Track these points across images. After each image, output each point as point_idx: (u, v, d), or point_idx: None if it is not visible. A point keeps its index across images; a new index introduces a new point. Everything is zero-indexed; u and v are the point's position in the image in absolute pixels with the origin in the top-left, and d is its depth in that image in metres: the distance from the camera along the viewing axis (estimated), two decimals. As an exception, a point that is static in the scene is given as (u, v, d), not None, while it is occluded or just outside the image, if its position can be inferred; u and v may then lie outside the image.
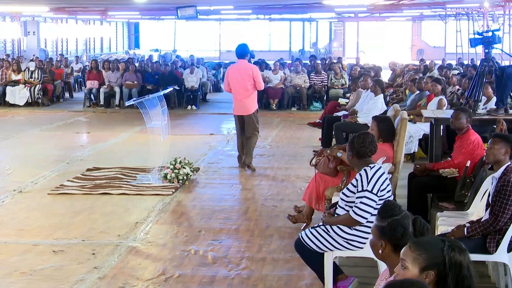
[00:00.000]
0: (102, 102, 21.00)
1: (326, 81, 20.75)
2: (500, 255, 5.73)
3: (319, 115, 16.10)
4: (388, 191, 5.83)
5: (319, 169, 7.87)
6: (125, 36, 50.38)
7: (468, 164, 7.42)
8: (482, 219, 5.80)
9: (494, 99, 10.51)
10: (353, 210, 5.76)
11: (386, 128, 7.83)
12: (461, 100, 12.40)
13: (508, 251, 5.73)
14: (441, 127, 10.03)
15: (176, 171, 10.40)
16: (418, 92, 13.36)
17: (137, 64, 23.71)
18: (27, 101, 20.96)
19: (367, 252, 5.30)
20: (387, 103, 12.93)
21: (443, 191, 7.56)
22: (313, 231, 5.96)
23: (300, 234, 6.06)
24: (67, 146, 14.21)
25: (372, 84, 12.64)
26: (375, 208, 5.66)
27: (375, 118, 8.07)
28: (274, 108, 20.22)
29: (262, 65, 21.90)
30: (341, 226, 5.85)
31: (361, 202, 5.73)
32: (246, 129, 11.70)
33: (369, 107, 12.21)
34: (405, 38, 50.71)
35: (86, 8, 30.99)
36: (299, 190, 10.00)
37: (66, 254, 7.34)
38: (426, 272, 3.23)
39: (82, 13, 34.35)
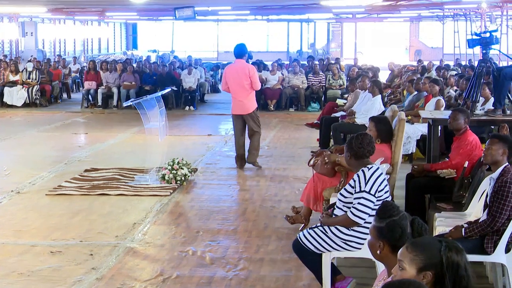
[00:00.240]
0: (100, 103, 20.99)
1: (324, 82, 20.75)
2: (498, 256, 5.74)
3: (317, 116, 16.10)
4: (386, 192, 5.83)
5: (317, 169, 7.88)
6: (123, 37, 50.39)
7: (466, 164, 7.43)
8: (480, 220, 5.81)
9: (492, 100, 10.52)
10: (351, 211, 5.76)
11: (384, 129, 7.83)
12: (458, 100, 12.40)
13: (506, 251, 5.73)
14: (439, 128, 10.03)
15: (174, 172, 10.40)
16: (416, 93, 13.38)
17: (135, 65, 23.72)
18: (25, 102, 20.95)
19: (365, 252, 5.30)
20: (385, 104, 12.94)
21: (441, 191, 7.56)
22: (311, 232, 5.96)
23: (298, 235, 6.06)
24: (65, 147, 14.21)
25: (370, 85, 12.64)
26: (372, 209, 5.66)
27: (372, 118, 8.06)
28: (272, 109, 20.23)
29: (260, 65, 21.91)
30: (339, 227, 5.85)
31: (358, 203, 5.73)
32: (248, 128, 11.77)
33: (367, 108, 12.22)
34: (401, 39, 50.75)
35: (84, 9, 30.96)
36: (297, 191, 10.01)
37: (64, 255, 7.34)
38: (423, 273, 3.23)
39: (80, 14, 34.33)
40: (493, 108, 9.92)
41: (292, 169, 11.80)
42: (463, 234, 5.73)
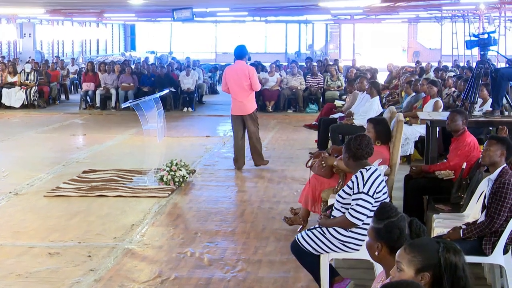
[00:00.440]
0: (98, 104, 20.98)
1: (322, 83, 20.75)
2: (496, 257, 5.74)
3: (315, 117, 16.11)
4: (384, 193, 5.83)
5: (314, 170, 7.88)
6: (121, 38, 50.40)
7: (464, 166, 7.43)
8: (478, 221, 5.81)
9: (490, 101, 10.52)
10: (349, 212, 5.75)
11: (382, 130, 7.83)
12: (457, 102, 12.41)
13: (504, 253, 5.74)
14: (437, 129, 10.04)
15: (172, 173, 10.40)
16: (414, 94, 13.38)
17: (133, 66, 23.72)
18: (23, 103, 20.95)
19: (363, 254, 5.30)
20: (383, 105, 12.94)
21: (439, 193, 7.56)
22: (309, 233, 5.95)
23: (296, 236, 6.05)
24: (63, 148, 14.20)
25: (368, 86, 12.65)
26: (371, 210, 5.66)
27: (371, 120, 8.04)
28: (270, 110, 20.22)
29: (258, 67, 21.87)
30: (337, 228, 5.85)
31: (357, 204, 5.73)
32: (247, 129, 11.83)
33: (365, 109, 12.22)
34: (399, 39, 50.80)
35: (82, 10, 30.96)
36: (295, 192, 10.01)
37: (62, 257, 7.33)
38: (421, 274, 3.23)
39: (78, 15, 34.34)
40: (491, 109, 9.93)
41: (290, 170, 11.80)
42: (461, 235, 5.73)
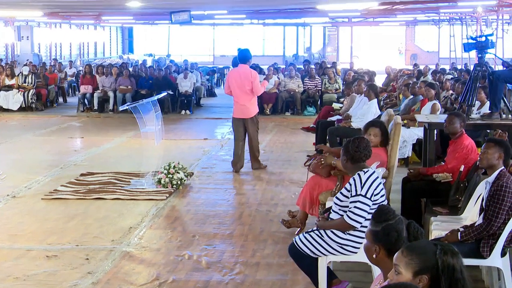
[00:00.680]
0: (96, 107, 20.98)
1: (320, 86, 20.76)
2: (494, 260, 5.74)
3: (313, 120, 16.12)
4: (381, 196, 5.83)
5: (312, 168, 7.88)
6: (119, 41, 50.37)
7: (461, 168, 7.44)
8: (476, 224, 5.81)
9: (488, 103, 10.53)
10: (347, 215, 5.75)
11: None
12: (454, 105, 12.42)
13: (502, 255, 5.74)
14: (435, 132, 10.04)
15: (170, 176, 10.39)
16: (411, 96, 13.39)
17: (131, 69, 23.70)
18: (20, 106, 20.95)
19: (361, 256, 5.30)
20: (381, 108, 12.96)
21: (437, 195, 7.57)
22: (307, 236, 5.95)
23: (294, 239, 6.05)
24: (61, 151, 14.20)
25: (366, 89, 12.65)
26: (369, 213, 5.66)
27: (376, 124, 7.95)
28: (268, 113, 20.22)
29: (256, 69, 21.86)
30: (335, 231, 5.85)
31: (355, 207, 5.73)
32: (247, 132, 11.90)
33: (363, 112, 12.23)
34: (395, 42, 50.84)
35: (80, 13, 30.94)
36: (293, 195, 10.00)
37: (60, 260, 7.32)
38: (419, 277, 3.23)
39: (76, 18, 34.32)
40: (489, 111, 9.93)
41: (288, 173, 11.80)
42: (459, 238, 5.73)
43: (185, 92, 21.18)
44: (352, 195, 5.77)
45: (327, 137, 12.72)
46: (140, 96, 18.27)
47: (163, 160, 10.88)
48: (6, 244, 7.90)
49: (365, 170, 5.87)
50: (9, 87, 21.16)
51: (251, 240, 8.05)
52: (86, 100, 21.25)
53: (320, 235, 5.89)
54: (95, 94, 21.08)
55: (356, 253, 5.82)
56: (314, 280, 5.98)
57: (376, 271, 4.75)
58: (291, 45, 48.83)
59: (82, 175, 11.42)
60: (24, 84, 21.22)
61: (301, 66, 25.75)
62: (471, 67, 14.17)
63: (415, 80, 15.46)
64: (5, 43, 32.80)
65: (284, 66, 27.09)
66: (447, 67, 25.53)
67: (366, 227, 4.12)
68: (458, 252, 3.28)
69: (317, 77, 21.15)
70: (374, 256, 3.84)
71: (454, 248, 3.30)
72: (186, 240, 8.00)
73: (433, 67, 24.24)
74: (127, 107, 11.04)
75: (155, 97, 11.51)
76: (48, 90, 22.33)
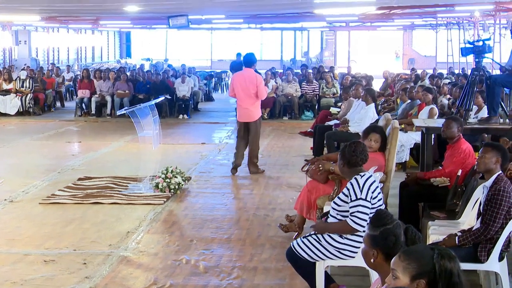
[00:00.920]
0: (93, 111, 20.98)
1: (318, 90, 20.78)
2: (491, 264, 5.74)
3: (311, 124, 16.13)
4: (379, 200, 5.84)
5: (310, 174, 7.89)
6: (117, 45, 50.39)
7: (459, 173, 7.44)
8: (473, 228, 5.82)
9: (485, 108, 10.55)
10: (351, 219, 5.72)
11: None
12: (452, 109, 12.43)
13: (499, 260, 5.74)
14: (432, 136, 10.05)
15: (168, 180, 10.39)
16: (409, 101, 13.41)
17: (128, 73, 23.71)
18: (18, 110, 20.95)
19: (359, 261, 5.30)
20: (378, 112, 12.95)
21: (435, 200, 7.56)
22: (304, 240, 5.95)
23: (291, 243, 6.05)
24: (59, 155, 14.18)
25: (364, 93, 12.66)
26: (370, 216, 5.66)
27: (376, 129, 7.94)
28: (266, 117, 20.19)
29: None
30: (332, 235, 5.84)
31: (357, 211, 5.71)
32: (249, 135, 12.01)
33: (360, 116, 12.23)
34: (394, 47, 50.87)
35: (77, 17, 30.95)
36: (290, 199, 10.00)
37: (57, 264, 7.32)
38: (417, 281, 3.23)
39: (73, 22, 34.33)
40: (487, 116, 9.94)
41: (286, 177, 11.80)
42: (457, 242, 5.73)
43: (182, 97, 21.19)
44: (352, 199, 5.76)
45: (325, 142, 12.73)
46: (138, 101, 18.27)
47: (161, 164, 10.87)
48: (3, 248, 7.88)
49: (362, 174, 5.88)
50: (6, 92, 21.15)
51: (249, 244, 8.05)
52: (83, 105, 21.25)
53: (317, 239, 5.89)
54: (92, 99, 21.08)
55: (353, 257, 5.82)
56: (312, 284, 5.97)
57: (374, 275, 4.75)
58: (288, 50, 48.84)
59: (79, 179, 11.42)
60: (21, 89, 21.22)
61: (299, 71, 25.76)
62: (469, 72, 14.18)
63: (412, 84, 15.48)
64: (2, 47, 32.80)
65: (281, 71, 27.12)
66: (444, 72, 25.59)
67: (364, 231, 4.11)
68: (456, 257, 3.29)
69: (314, 81, 21.17)
70: (372, 260, 3.84)
71: (451, 252, 3.30)
72: (184, 245, 8.00)
73: (430, 71, 24.29)
74: (125, 112, 11.03)
75: (153, 102, 11.52)
76: (46, 95, 22.33)
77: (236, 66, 21.13)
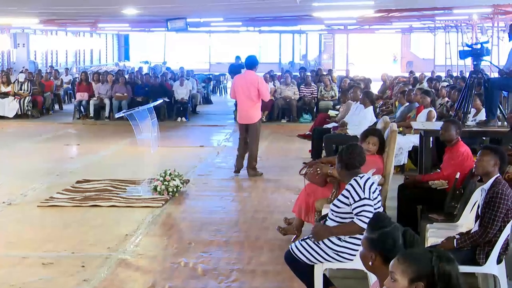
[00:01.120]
0: (92, 114, 20.97)
1: (316, 93, 20.79)
2: (490, 267, 5.75)
3: (309, 127, 16.13)
4: (378, 201, 5.84)
5: (309, 178, 7.89)
6: (115, 48, 50.35)
7: (457, 176, 7.44)
8: (472, 231, 5.82)
9: (483, 111, 10.56)
10: (358, 219, 5.67)
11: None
12: (450, 112, 12.44)
13: (498, 262, 5.75)
14: (431, 139, 10.06)
15: (166, 183, 10.39)
16: (407, 104, 13.41)
17: (127, 76, 23.71)
18: (16, 113, 20.93)
19: (357, 264, 5.30)
20: (376, 115, 12.96)
21: (433, 202, 7.57)
22: (303, 243, 5.95)
23: (290, 246, 6.05)
24: (57, 158, 14.18)
25: (362, 96, 12.67)
26: None
27: (375, 132, 7.96)
28: (264, 120, 20.10)
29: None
30: (331, 238, 5.84)
31: (364, 210, 5.67)
32: (248, 137, 12.08)
33: (359, 119, 12.23)
34: (392, 49, 50.91)
35: (76, 20, 30.94)
36: (289, 202, 9.98)
37: (56, 267, 7.31)
38: (415, 284, 3.23)
39: (72, 25, 34.31)
40: (485, 119, 9.96)
41: (284, 180, 11.80)
42: (455, 245, 5.74)
43: (181, 99, 21.19)
44: (356, 200, 5.73)
45: (323, 145, 12.73)
46: (136, 103, 18.25)
47: (159, 167, 10.87)
48: (1, 251, 7.88)
49: (361, 175, 5.89)
50: (5, 94, 21.15)
51: (247, 247, 8.05)
52: (82, 107, 21.24)
53: (316, 242, 5.89)
54: (91, 101, 21.07)
55: (352, 260, 5.82)
56: (310, 287, 5.97)
57: (372, 278, 4.75)
58: (287, 53, 48.81)
59: (78, 182, 11.41)
60: (20, 91, 21.21)
61: (297, 73, 25.77)
62: (467, 75, 14.20)
63: (410, 87, 15.50)
64: (1, 50, 32.78)
65: (280, 73, 27.06)
66: (442, 75, 25.60)
67: (362, 234, 4.11)
68: (454, 259, 3.29)
69: (313, 84, 21.18)
70: (370, 263, 3.84)
71: (449, 254, 3.30)
72: (182, 247, 8.00)
73: (428, 74, 24.28)
74: (123, 114, 11.04)
75: (151, 104, 11.52)
76: (44, 97, 22.31)
77: (235, 69, 21.25)
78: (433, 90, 14.95)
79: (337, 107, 17.45)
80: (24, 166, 13.04)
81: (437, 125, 9.59)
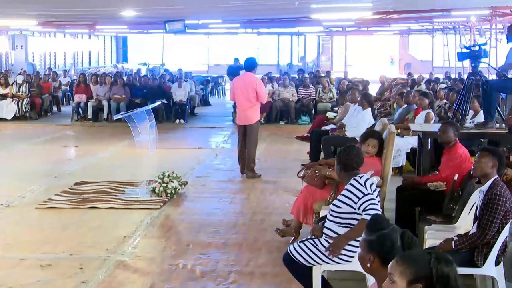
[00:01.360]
0: (90, 116, 20.96)
1: (314, 95, 20.80)
2: (488, 268, 5.75)
3: (307, 129, 16.12)
4: (378, 201, 5.83)
5: (307, 180, 7.89)
6: (113, 49, 50.36)
7: (455, 177, 7.45)
8: (470, 233, 5.82)
9: (481, 113, 10.56)
10: (367, 214, 5.62)
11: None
12: (448, 113, 12.45)
13: (496, 264, 5.75)
14: (429, 141, 10.06)
15: (164, 185, 10.38)
16: (405, 105, 13.42)
17: (125, 78, 23.69)
18: (14, 115, 20.92)
19: (355, 265, 5.30)
20: (375, 117, 12.97)
21: (431, 204, 7.57)
22: (301, 244, 5.95)
23: (288, 248, 6.05)
24: (55, 160, 14.18)
25: (360, 98, 12.67)
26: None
27: (374, 135, 7.96)
28: (262, 122, 20.09)
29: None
30: (328, 240, 5.84)
31: (371, 204, 5.65)
32: (246, 138, 12.13)
33: (357, 121, 12.24)
34: (391, 51, 50.92)
35: (74, 22, 30.95)
36: (287, 203, 9.98)
37: (54, 269, 7.31)
38: (413, 285, 3.23)
39: (70, 27, 34.31)
40: (483, 121, 9.96)
41: (282, 182, 11.80)
42: (453, 247, 5.74)
43: (179, 101, 21.19)
44: (360, 197, 5.71)
45: (321, 146, 12.73)
46: (134, 105, 18.23)
47: (157, 169, 10.86)
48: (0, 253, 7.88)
49: (360, 175, 5.89)
50: (3, 96, 21.13)
51: (246, 249, 8.05)
52: (80, 109, 21.22)
53: (314, 244, 5.89)
54: (89, 103, 21.06)
55: (350, 262, 5.82)
56: (309, 289, 5.97)
57: (371, 280, 4.75)
58: (285, 54, 48.85)
59: (76, 184, 11.40)
60: (18, 93, 21.20)
61: (295, 75, 25.76)
62: (465, 76, 14.22)
63: (409, 89, 15.50)
64: (-1, 52, 32.82)
65: (278, 75, 27.07)
66: (441, 76, 25.62)
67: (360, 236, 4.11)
68: (452, 261, 3.29)
69: (311, 86, 21.19)
70: (368, 265, 3.84)
71: (448, 256, 3.30)
72: (181, 249, 8.00)
73: (427, 76, 24.29)
74: (121, 116, 11.04)
75: (149, 106, 11.52)
76: (42, 99, 22.30)
77: (233, 71, 21.22)
78: (431, 92, 14.94)
79: (335, 109, 17.46)
80: (22, 168, 13.03)
81: (435, 127, 9.59)
